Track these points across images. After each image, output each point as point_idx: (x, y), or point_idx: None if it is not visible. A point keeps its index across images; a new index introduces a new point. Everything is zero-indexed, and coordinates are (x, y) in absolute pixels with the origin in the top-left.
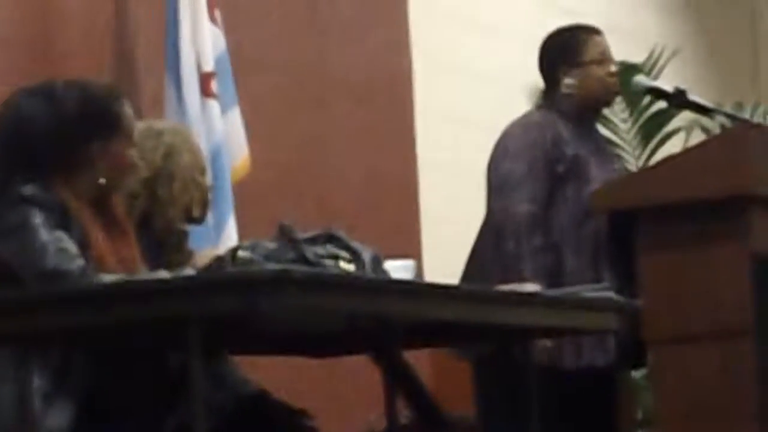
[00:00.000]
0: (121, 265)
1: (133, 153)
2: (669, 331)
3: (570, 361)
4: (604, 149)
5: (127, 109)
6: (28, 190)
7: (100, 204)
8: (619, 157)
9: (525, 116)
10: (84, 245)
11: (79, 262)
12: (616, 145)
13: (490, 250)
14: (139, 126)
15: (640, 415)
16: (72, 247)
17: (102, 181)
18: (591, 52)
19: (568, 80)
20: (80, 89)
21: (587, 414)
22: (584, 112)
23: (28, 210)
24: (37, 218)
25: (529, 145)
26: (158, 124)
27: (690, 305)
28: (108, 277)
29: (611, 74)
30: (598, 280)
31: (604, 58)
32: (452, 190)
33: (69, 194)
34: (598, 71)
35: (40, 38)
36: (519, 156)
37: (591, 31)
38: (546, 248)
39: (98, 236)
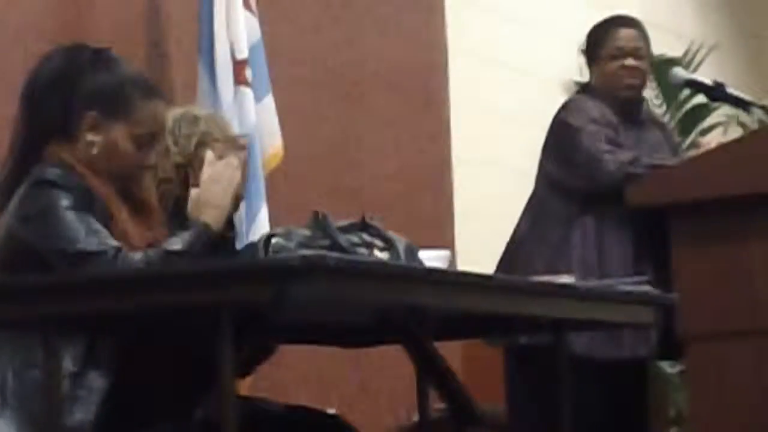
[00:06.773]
0: (144, 245)
1: (129, 147)
2: (704, 328)
3: (609, 351)
4: (648, 140)
5: (151, 106)
6: (51, 173)
7: (126, 186)
8: (668, 137)
9: (575, 100)
10: (107, 222)
11: (112, 242)
12: None
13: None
14: (176, 111)
15: (672, 413)
16: (101, 227)
17: (94, 151)
18: (608, 47)
19: (592, 75)
20: (111, 57)
21: (622, 407)
22: (613, 105)
23: (52, 193)
24: (63, 201)
25: (591, 119)
26: (195, 111)
27: (726, 302)
28: (137, 256)
29: (624, 67)
30: (638, 274)
31: (621, 52)
32: (486, 183)
33: (89, 173)
34: (611, 66)
35: (73, 26)
36: (586, 125)
37: (617, 24)
38: None
39: (121, 214)
